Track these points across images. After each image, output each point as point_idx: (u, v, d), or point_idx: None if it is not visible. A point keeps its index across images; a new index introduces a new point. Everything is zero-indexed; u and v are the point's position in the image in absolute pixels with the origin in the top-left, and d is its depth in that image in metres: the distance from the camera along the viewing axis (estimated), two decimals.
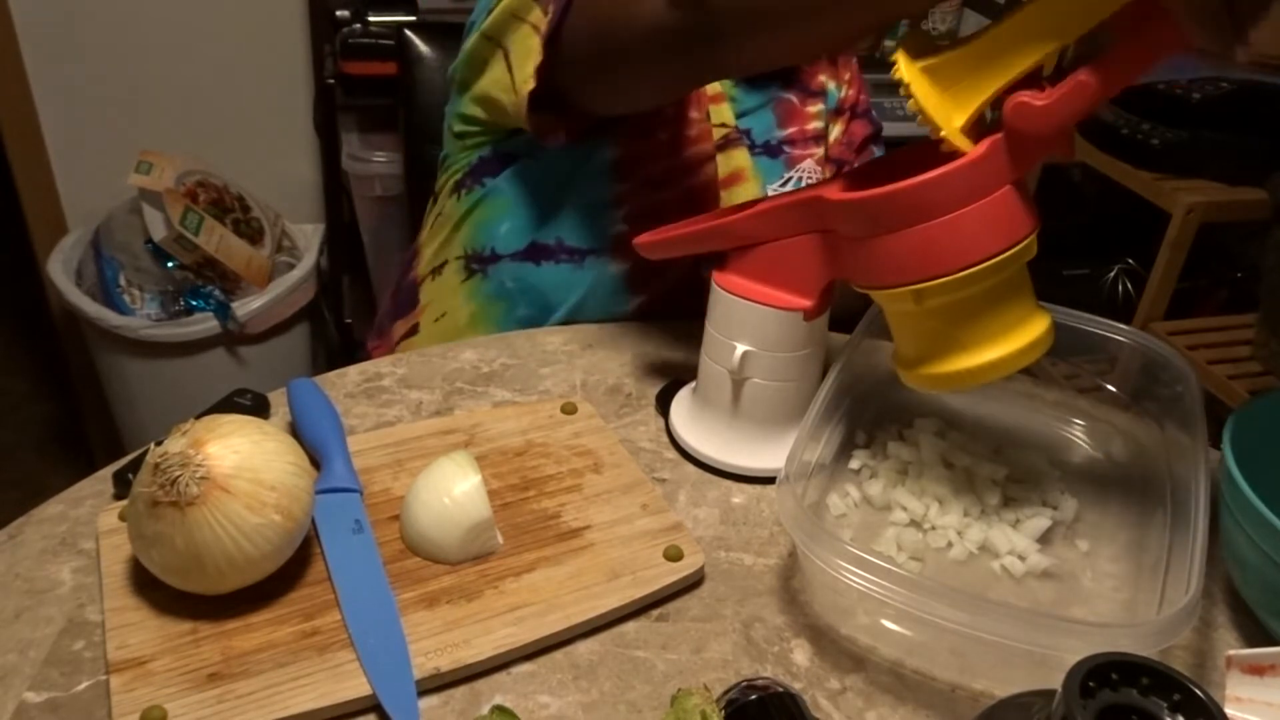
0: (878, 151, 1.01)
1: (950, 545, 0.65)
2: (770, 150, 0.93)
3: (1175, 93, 1.51)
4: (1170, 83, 1.52)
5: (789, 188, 0.92)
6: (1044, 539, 0.65)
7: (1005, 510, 0.67)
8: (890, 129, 1.13)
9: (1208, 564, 0.54)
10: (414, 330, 0.96)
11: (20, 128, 1.57)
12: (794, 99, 0.95)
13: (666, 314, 0.88)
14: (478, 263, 0.89)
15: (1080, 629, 0.51)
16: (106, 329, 1.50)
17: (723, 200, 0.88)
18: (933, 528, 0.66)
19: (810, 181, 0.93)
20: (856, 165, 0.99)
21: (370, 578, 0.57)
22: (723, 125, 0.88)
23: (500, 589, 0.58)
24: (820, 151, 0.95)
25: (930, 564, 0.64)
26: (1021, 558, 0.64)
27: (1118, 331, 0.73)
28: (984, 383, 0.61)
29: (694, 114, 0.85)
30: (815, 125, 0.96)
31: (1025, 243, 0.57)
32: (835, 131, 0.99)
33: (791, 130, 0.94)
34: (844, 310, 0.71)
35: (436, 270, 0.94)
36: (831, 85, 0.98)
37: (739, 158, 0.89)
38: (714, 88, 0.89)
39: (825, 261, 0.64)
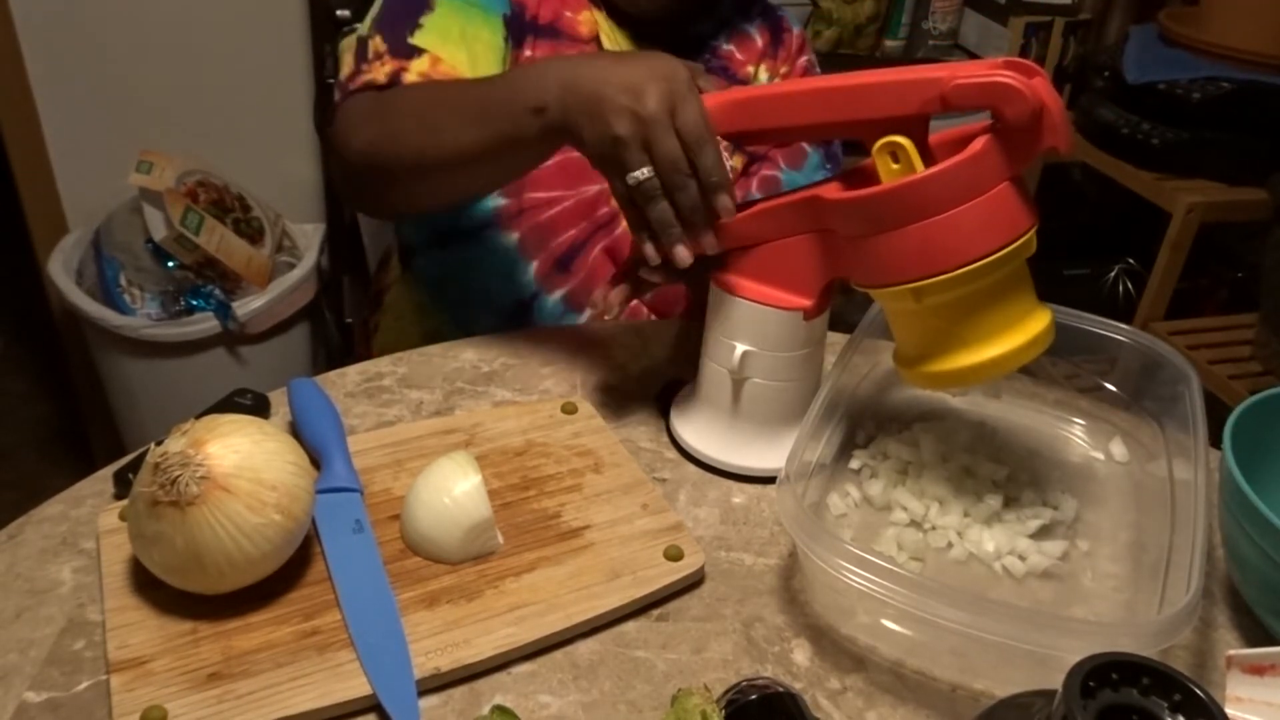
0: (813, 154, 0.98)
1: (950, 545, 0.65)
2: None
3: (1175, 93, 1.51)
4: (1170, 83, 1.51)
5: None
6: (1044, 539, 0.65)
7: (1005, 510, 0.66)
8: None
9: (1208, 564, 0.54)
10: (377, 326, 1.05)
11: (20, 128, 1.57)
12: None
13: (569, 279, 0.92)
14: (408, 256, 1.00)
15: (1080, 629, 0.51)
16: (107, 329, 1.49)
17: None
18: (933, 528, 0.66)
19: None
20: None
21: (370, 577, 0.57)
22: None
23: (500, 589, 0.58)
24: None
25: (930, 564, 0.64)
26: (1021, 558, 0.64)
27: (1118, 331, 0.72)
28: (986, 380, 0.61)
29: None
30: None
31: (1024, 238, 0.57)
32: None
33: None
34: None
35: (395, 264, 1.04)
36: (764, 76, 0.98)
37: None
38: None
39: (824, 261, 0.64)
